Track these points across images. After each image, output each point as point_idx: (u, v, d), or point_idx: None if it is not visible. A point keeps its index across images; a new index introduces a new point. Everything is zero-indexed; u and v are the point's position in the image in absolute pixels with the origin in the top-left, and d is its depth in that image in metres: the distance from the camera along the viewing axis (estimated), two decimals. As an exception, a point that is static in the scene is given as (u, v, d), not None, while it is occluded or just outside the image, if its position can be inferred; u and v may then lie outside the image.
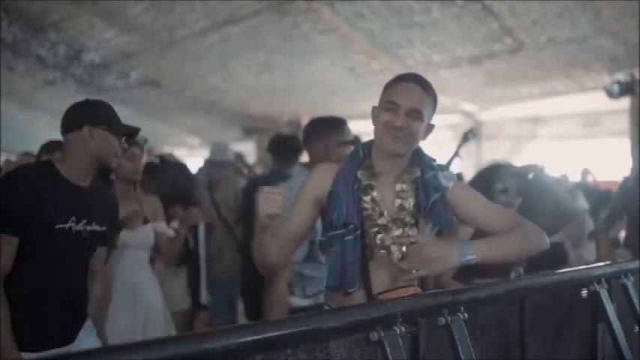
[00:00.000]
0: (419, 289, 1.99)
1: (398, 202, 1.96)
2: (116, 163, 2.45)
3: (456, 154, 4.14)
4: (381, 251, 1.94)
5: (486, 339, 1.95)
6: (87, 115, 2.34)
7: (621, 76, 8.08)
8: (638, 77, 8.08)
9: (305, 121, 10.97)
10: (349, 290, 1.91)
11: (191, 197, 3.79)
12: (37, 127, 10.29)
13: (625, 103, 8.35)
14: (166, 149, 10.35)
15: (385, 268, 1.94)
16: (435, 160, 2.04)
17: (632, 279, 2.42)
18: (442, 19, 7.30)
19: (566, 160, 9.14)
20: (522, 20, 7.21)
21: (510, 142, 10.49)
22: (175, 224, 3.45)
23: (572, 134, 9.96)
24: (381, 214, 1.95)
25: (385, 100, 1.97)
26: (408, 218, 1.95)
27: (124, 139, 2.43)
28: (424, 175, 1.98)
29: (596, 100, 8.60)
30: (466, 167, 9.56)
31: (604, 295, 2.26)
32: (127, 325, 2.98)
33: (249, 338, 1.32)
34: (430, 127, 2.01)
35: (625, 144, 8.65)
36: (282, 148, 4.27)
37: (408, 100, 1.92)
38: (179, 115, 12.06)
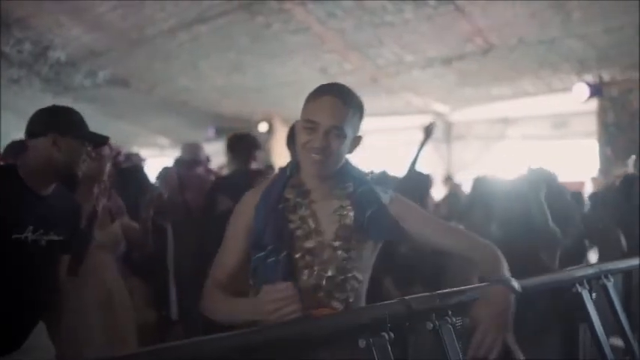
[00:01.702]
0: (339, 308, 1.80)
1: (336, 218, 1.85)
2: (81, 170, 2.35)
3: (420, 150, 4.13)
4: (309, 277, 1.80)
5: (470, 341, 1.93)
6: (53, 122, 2.24)
7: (589, 78, 8.20)
8: (606, 79, 8.20)
9: (276, 121, 10.96)
10: None
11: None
12: (2, 127, 10.04)
13: (593, 104, 8.46)
14: (135, 149, 10.20)
15: (312, 292, 1.79)
16: (367, 174, 1.94)
17: (611, 280, 2.44)
18: (414, 20, 7.32)
19: (535, 160, 9.19)
20: (493, 21, 7.26)
21: (480, 142, 10.56)
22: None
23: (541, 135, 10.06)
24: (309, 236, 1.83)
25: (304, 117, 1.83)
26: (352, 234, 1.84)
27: (90, 147, 2.34)
28: (357, 190, 1.88)
29: (565, 102, 8.70)
30: (436, 168, 9.64)
31: (586, 296, 2.26)
32: (100, 330, 2.89)
33: (233, 346, 1.28)
34: (357, 140, 1.89)
35: (592, 146, 8.76)
36: (239, 145, 4.36)
37: (327, 118, 1.79)
38: (148, 115, 11.90)
